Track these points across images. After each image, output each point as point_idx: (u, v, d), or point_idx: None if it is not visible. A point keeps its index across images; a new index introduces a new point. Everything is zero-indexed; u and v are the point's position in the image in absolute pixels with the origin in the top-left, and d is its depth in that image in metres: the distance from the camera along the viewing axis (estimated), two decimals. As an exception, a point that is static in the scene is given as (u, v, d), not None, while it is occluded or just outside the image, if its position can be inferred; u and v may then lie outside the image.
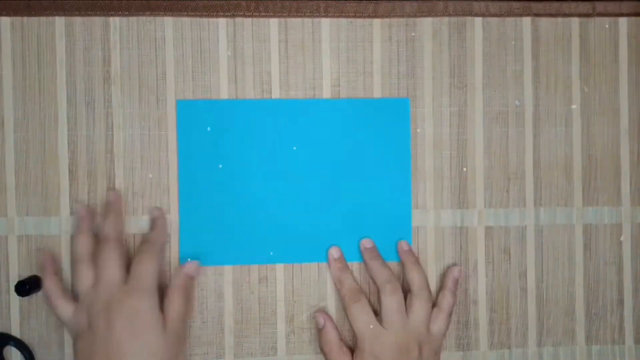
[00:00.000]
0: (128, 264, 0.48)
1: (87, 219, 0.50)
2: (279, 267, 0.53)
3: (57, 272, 0.50)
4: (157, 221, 0.51)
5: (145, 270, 0.46)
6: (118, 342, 0.42)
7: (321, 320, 0.51)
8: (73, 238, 0.50)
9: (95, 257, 0.47)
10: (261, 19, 0.53)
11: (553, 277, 0.54)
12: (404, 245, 0.53)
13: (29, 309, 0.51)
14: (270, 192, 0.52)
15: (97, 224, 0.50)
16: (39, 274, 0.51)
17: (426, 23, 0.54)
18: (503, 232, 0.54)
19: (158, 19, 0.52)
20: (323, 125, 0.53)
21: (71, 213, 0.51)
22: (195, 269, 0.50)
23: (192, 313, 0.52)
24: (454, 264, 0.53)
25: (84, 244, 0.48)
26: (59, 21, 0.52)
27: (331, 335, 0.50)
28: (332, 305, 0.53)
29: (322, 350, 0.50)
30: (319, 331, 0.51)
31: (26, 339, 0.51)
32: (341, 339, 0.51)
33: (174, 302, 0.47)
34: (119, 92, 0.52)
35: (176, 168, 0.52)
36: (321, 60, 0.53)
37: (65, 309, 0.47)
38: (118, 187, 0.52)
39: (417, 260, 0.52)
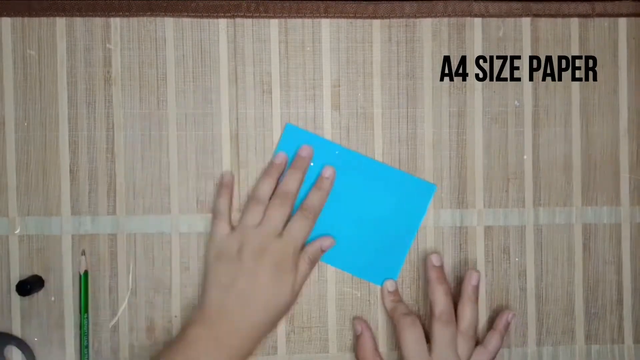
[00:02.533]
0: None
1: (280, 167, 0.52)
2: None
3: (232, 195, 0.52)
4: (322, 184, 0.52)
5: (300, 231, 0.50)
6: (259, 279, 0.48)
7: (359, 327, 0.52)
8: (259, 180, 0.52)
9: (269, 204, 0.51)
10: (261, 20, 0.53)
11: (552, 276, 0.54)
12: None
13: (30, 309, 0.51)
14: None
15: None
16: (39, 274, 0.51)
17: (426, 24, 0.54)
18: (502, 232, 0.54)
19: (158, 19, 0.52)
20: (363, 180, 0.53)
21: (72, 213, 0.52)
22: (330, 244, 0.52)
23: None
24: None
25: (267, 189, 0.51)
26: (60, 22, 0.52)
27: (368, 343, 0.51)
28: (332, 306, 0.53)
29: (357, 357, 0.52)
30: (357, 338, 0.52)
31: (27, 339, 0.51)
32: (376, 349, 0.51)
33: (304, 266, 0.50)
34: (120, 93, 0.52)
35: (176, 167, 0.52)
36: (321, 61, 0.53)
37: (223, 228, 0.50)
38: (118, 187, 0.52)
39: (475, 298, 0.51)
